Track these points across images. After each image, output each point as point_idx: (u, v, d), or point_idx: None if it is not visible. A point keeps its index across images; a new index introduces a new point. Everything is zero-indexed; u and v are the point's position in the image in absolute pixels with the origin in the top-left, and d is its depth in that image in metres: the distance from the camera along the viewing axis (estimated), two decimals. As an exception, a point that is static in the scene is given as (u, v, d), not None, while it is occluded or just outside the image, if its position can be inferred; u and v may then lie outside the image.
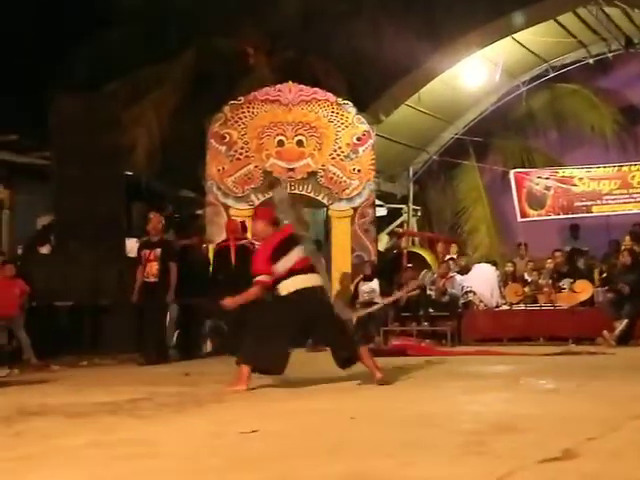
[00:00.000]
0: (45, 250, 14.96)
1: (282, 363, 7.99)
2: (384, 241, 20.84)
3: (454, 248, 18.60)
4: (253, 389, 7.85)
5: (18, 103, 18.97)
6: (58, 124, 14.23)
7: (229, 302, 8.55)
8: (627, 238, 16.64)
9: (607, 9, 18.14)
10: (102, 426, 5.74)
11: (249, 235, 13.68)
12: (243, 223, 14.90)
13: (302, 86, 17.06)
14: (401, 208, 21.67)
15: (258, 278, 8.12)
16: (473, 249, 20.90)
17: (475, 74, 19.31)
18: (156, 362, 11.65)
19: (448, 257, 17.81)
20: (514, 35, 18.56)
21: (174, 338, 13.96)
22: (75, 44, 21.06)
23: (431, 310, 15.75)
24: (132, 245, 15.13)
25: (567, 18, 18.53)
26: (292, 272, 7.98)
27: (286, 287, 8.00)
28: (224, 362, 11.59)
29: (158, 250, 12.13)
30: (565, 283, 15.69)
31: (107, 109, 14.71)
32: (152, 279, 12.10)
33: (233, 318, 13.14)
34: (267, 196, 15.84)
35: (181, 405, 6.85)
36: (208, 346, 13.91)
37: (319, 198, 16.57)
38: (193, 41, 21.15)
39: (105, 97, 16.50)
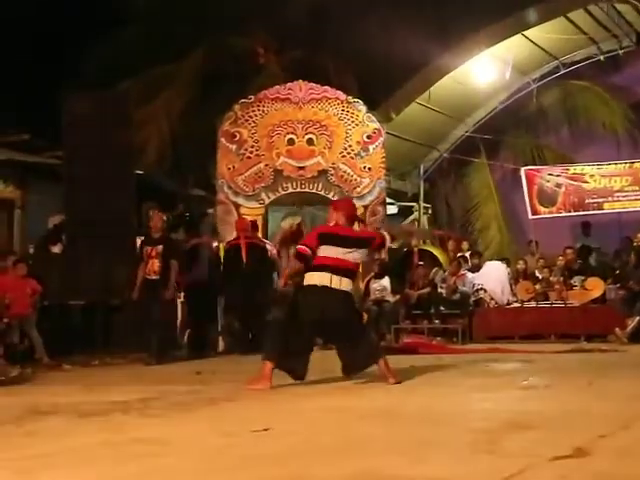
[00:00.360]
0: (57, 249, 14.99)
1: (304, 367, 8.01)
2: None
3: (465, 245, 18.62)
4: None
5: (30, 103, 19.02)
6: (70, 123, 14.25)
7: (282, 283, 8.53)
8: (639, 235, 16.59)
9: (618, 5, 18.12)
10: (114, 425, 5.76)
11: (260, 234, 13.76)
12: (254, 222, 14.94)
13: (312, 84, 17.04)
14: (412, 206, 21.67)
15: (298, 247, 8.15)
16: (484, 247, 20.87)
17: (485, 71, 19.31)
18: (162, 361, 11.62)
19: (459, 255, 17.80)
20: (524, 32, 18.52)
21: (185, 337, 14.00)
22: (87, 43, 21.11)
23: (442, 308, 15.76)
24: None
25: (578, 15, 18.50)
26: (324, 266, 7.95)
27: (309, 279, 7.99)
28: (235, 361, 11.63)
29: (160, 247, 12.10)
30: (576, 280, 15.68)
31: (119, 108, 14.72)
32: (153, 276, 12.05)
33: (246, 316, 13.24)
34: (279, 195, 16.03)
35: (192, 404, 6.86)
36: (220, 345, 13.92)
37: (329, 196, 16.52)
38: (204, 40, 21.18)
39: (117, 96, 16.48)
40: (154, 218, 12.34)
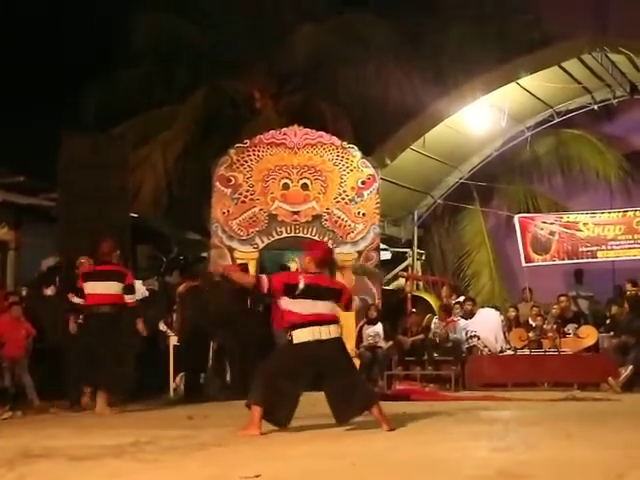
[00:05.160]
0: (50, 292, 14.94)
1: (288, 415, 7.97)
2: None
3: (454, 296, 18.62)
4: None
5: (26, 144, 19.07)
6: (66, 165, 14.27)
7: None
8: (628, 285, 16.65)
9: (612, 56, 18.24)
10: (106, 470, 5.73)
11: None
12: (245, 266, 14.95)
13: (307, 130, 17.14)
14: (405, 252, 21.65)
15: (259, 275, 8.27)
16: (475, 293, 20.83)
17: (480, 119, 19.35)
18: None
19: (452, 301, 17.73)
20: (519, 81, 18.64)
21: (178, 380, 13.94)
22: (85, 85, 21.26)
23: (435, 354, 15.72)
24: (137, 287, 15.11)
25: (572, 64, 18.60)
26: (309, 322, 7.91)
27: (300, 336, 7.94)
28: (227, 405, 11.57)
29: None
30: (570, 328, 15.67)
31: (115, 150, 14.75)
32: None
33: (242, 361, 13.19)
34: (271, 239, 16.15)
35: (185, 449, 6.83)
36: (210, 389, 13.84)
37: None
38: (201, 84, 21.36)
39: (113, 138, 16.57)
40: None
